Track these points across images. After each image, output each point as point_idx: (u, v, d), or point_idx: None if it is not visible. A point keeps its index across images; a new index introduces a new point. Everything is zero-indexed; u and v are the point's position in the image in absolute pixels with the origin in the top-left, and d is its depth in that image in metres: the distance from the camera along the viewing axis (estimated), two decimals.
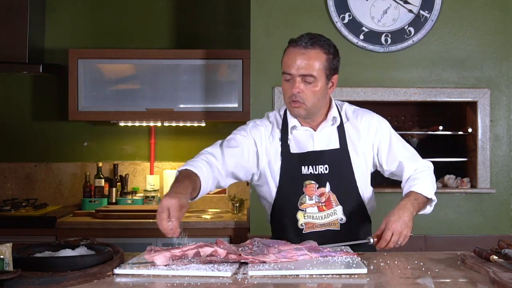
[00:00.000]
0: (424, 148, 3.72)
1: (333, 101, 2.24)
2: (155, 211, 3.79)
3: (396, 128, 3.76)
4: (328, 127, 2.20)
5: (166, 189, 3.97)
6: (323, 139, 2.19)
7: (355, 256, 1.86)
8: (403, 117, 3.84)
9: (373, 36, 3.46)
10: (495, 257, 1.74)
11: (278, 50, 3.50)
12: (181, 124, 4.03)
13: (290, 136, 2.19)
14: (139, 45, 4.09)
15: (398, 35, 3.45)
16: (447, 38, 3.48)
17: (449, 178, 3.54)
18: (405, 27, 3.45)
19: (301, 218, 2.16)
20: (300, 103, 2.10)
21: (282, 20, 3.47)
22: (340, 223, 2.16)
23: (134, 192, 4.05)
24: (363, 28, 3.46)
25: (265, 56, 3.46)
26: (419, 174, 2.19)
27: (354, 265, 1.73)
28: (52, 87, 4.17)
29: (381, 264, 1.83)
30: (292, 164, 2.17)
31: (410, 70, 3.48)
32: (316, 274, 1.67)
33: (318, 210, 2.16)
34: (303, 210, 2.16)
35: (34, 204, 3.96)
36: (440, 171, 3.61)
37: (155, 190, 4.04)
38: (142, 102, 3.85)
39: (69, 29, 4.18)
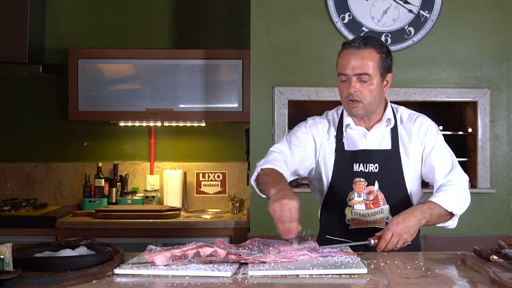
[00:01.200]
0: None
1: (389, 103, 2.29)
2: (155, 211, 3.83)
3: None
4: (382, 128, 2.24)
5: (166, 189, 3.99)
6: (375, 139, 2.24)
7: (355, 256, 1.86)
8: None
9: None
10: (495, 257, 1.74)
11: (278, 50, 3.53)
12: (181, 124, 4.03)
13: (344, 134, 2.25)
14: (139, 45, 4.09)
15: (398, 35, 3.46)
16: (447, 38, 3.49)
17: None
18: (405, 27, 3.46)
19: (348, 213, 2.22)
20: (358, 102, 2.15)
21: (282, 20, 3.47)
22: (386, 222, 2.18)
23: (134, 192, 4.05)
24: (363, 28, 3.46)
25: (265, 56, 3.46)
26: (448, 186, 2.17)
27: (354, 265, 1.73)
28: (52, 87, 4.17)
29: (381, 264, 1.83)
30: (345, 161, 2.23)
31: (410, 70, 3.48)
32: (316, 274, 1.67)
33: (366, 208, 2.21)
34: (351, 206, 2.21)
35: (34, 204, 3.96)
36: None
37: (155, 190, 4.04)
38: (142, 102, 3.85)
39: (69, 29, 4.18)
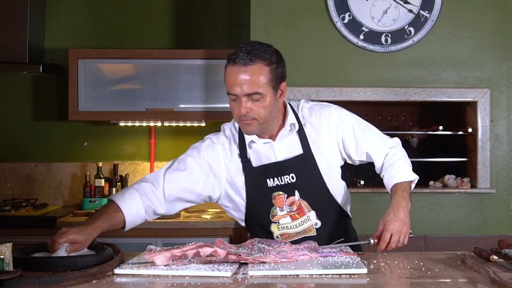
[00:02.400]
0: (424, 148, 3.73)
1: (287, 106, 2.14)
2: None
3: (396, 128, 3.80)
4: (287, 134, 2.11)
5: None
6: (284, 147, 2.11)
7: (355, 256, 1.86)
8: (403, 117, 3.84)
9: (373, 36, 3.46)
10: (495, 257, 1.74)
11: (278, 50, 3.52)
12: (181, 124, 4.03)
13: (249, 151, 2.11)
14: (139, 45, 4.09)
15: (398, 35, 3.45)
16: (447, 38, 3.49)
17: (449, 178, 3.54)
18: (405, 27, 3.46)
19: (275, 230, 2.11)
20: (252, 119, 2.00)
21: (282, 20, 3.47)
22: (316, 228, 2.12)
23: None
24: (363, 28, 3.46)
25: None
26: (392, 159, 2.14)
27: (354, 265, 1.73)
28: (52, 87, 4.17)
29: (381, 264, 1.83)
30: (256, 178, 2.09)
31: (410, 70, 3.48)
32: (316, 274, 1.67)
33: (291, 219, 2.10)
34: (276, 222, 2.10)
35: (34, 204, 3.96)
36: (440, 171, 3.62)
37: None
38: (142, 102, 3.85)
39: (69, 29, 4.18)
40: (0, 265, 1.52)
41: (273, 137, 2.12)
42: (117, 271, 1.70)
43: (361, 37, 3.45)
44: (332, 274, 1.67)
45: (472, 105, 3.52)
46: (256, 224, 2.15)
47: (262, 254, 1.82)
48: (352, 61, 3.45)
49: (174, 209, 2.14)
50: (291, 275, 1.67)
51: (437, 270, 1.75)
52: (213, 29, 4.18)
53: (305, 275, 1.67)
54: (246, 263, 1.78)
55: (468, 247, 2.02)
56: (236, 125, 2.17)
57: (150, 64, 3.85)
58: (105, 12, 4.19)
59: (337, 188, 2.18)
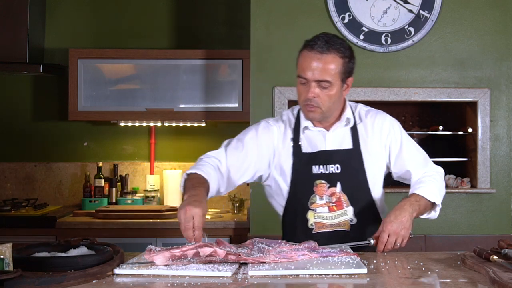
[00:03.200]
0: (424, 148, 3.71)
1: (347, 102, 2.23)
2: (155, 211, 3.82)
3: None
4: (341, 127, 2.19)
5: (166, 189, 3.99)
6: (335, 139, 2.18)
7: (355, 256, 1.86)
8: (403, 117, 3.84)
9: (373, 36, 3.46)
10: (495, 257, 1.74)
11: (278, 50, 3.53)
12: (181, 124, 4.03)
13: (302, 136, 2.18)
14: (139, 45, 4.09)
15: (398, 35, 3.46)
16: (447, 38, 3.49)
17: (449, 178, 3.54)
18: (405, 27, 3.46)
19: (311, 218, 2.15)
20: (315, 107, 2.09)
21: (282, 20, 3.47)
22: (351, 224, 2.15)
23: (134, 192, 4.05)
24: (363, 28, 3.46)
25: (265, 56, 3.46)
26: (426, 178, 2.16)
27: (354, 265, 1.73)
28: (52, 87, 4.17)
29: (381, 264, 1.83)
30: (303, 163, 2.15)
31: (410, 70, 3.48)
32: (316, 274, 1.67)
33: (329, 210, 2.14)
34: (313, 210, 2.15)
35: (34, 204, 3.96)
36: None
37: (155, 190, 4.04)
38: (142, 102, 3.85)
39: (69, 29, 4.18)
40: (0, 265, 1.52)
41: (327, 128, 2.19)
42: (117, 271, 1.70)
43: (361, 37, 3.45)
44: (332, 274, 1.67)
45: (472, 105, 3.52)
46: (294, 211, 2.18)
47: (262, 254, 1.82)
48: None
49: (230, 188, 2.20)
50: (291, 275, 1.67)
51: (437, 270, 1.75)
52: (213, 29, 4.18)
53: (305, 275, 1.67)
54: (246, 263, 1.78)
55: (468, 247, 2.02)
56: (294, 111, 2.25)
57: (150, 64, 3.85)
58: (105, 12, 4.19)
59: (377, 192, 2.21)
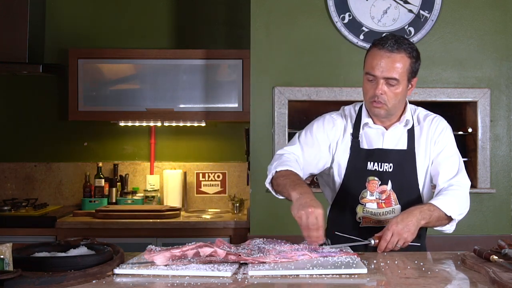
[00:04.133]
0: None
1: (408, 104, 2.29)
2: (155, 211, 3.82)
3: None
4: (399, 128, 2.25)
5: (166, 189, 3.99)
6: (392, 138, 2.24)
7: (355, 256, 1.86)
8: None
9: (373, 36, 3.44)
10: (495, 257, 1.74)
11: (278, 50, 3.53)
12: (181, 124, 4.03)
13: (361, 132, 2.25)
14: (139, 45, 4.09)
15: None
16: (447, 38, 3.49)
17: None
18: (405, 27, 3.46)
19: (359, 211, 2.22)
20: (382, 104, 2.15)
21: (282, 20, 3.47)
22: None
23: (134, 192, 4.05)
24: (363, 28, 3.46)
25: (265, 56, 3.46)
26: (449, 191, 2.16)
27: (354, 265, 1.73)
28: (52, 87, 4.17)
29: (381, 264, 1.83)
30: (360, 158, 2.22)
31: None
32: (316, 274, 1.67)
33: (377, 207, 2.21)
34: (362, 204, 2.21)
35: (34, 204, 3.96)
36: None
37: (155, 190, 4.04)
38: (142, 102, 3.85)
39: (69, 29, 4.18)
40: (0, 265, 1.52)
41: (386, 127, 2.25)
42: (117, 271, 1.70)
43: (361, 37, 3.45)
44: (332, 274, 1.67)
45: (472, 105, 3.52)
46: (344, 202, 2.25)
47: (262, 254, 1.82)
48: (352, 61, 3.45)
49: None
50: (291, 275, 1.67)
51: (437, 270, 1.75)
52: (213, 29, 4.18)
53: (305, 275, 1.67)
54: (246, 263, 1.78)
55: (468, 247, 2.02)
56: (356, 107, 2.32)
57: (150, 64, 3.85)
58: (105, 12, 4.19)
59: (426, 192, 2.26)
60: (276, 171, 2.14)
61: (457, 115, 3.73)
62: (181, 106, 3.86)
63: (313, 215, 1.89)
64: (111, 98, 3.85)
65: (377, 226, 2.18)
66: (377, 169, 2.21)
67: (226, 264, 1.75)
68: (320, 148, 2.26)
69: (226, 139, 4.15)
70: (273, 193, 2.16)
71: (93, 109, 3.84)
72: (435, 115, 2.34)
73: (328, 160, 2.28)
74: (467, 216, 3.43)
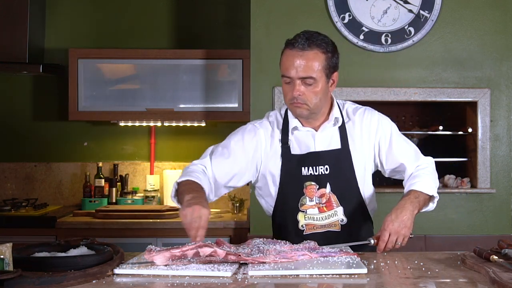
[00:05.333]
0: (424, 148, 3.71)
1: (334, 101, 2.22)
2: (155, 211, 3.82)
3: None
4: (330, 127, 2.18)
5: (166, 189, 3.99)
6: (324, 139, 2.17)
7: (355, 256, 1.86)
8: (403, 117, 3.84)
9: (373, 36, 3.46)
10: (495, 257, 1.74)
11: (278, 50, 3.49)
12: (181, 124, 4.03)
13: (291, 137, 2.18)
14: (139, 45, 4.09)
15: (398, 35, 3.45)
16: (447, 38, 3.48)
17: (449, 178, 3.54)
18: (405, 27, 3.45)
19: (301, 219, 2.15)
20: (302, 103, 2.08)
21: (282, 20, 3.47)
22: (341, 224, 2.15)
23: (134, 192, 4.05)
24: (363, 28, 3.46)
25: (265, 56, 3.46)
26: (419, 172, 2.17)
27: (354, 265, 1.73)
28: (52, 87, 4.17)
29: (381, 264, 1.83)
30: (292, 165, 2.15)
31: (410, 70, 3.48)
32: (316, 274, 1.67)
33: (319, 211, 2.14)
34: (303, 211, 2.15)
35: (34, 204, 3.96)
36: (440, 171, 3.60)
37: (155, 190, 4.04)
38: (142, 102, 3.85)
39: (69, 29, 4.18)
40: (0, 265, 1.52)
41: (315, 128, 2.18)
42: (117, 271, 1.70)
43: (361, 37, 3.45)
44: (332, 274, 1.67)
45: (472, 105, 3.52)
46: (284, 212, 2.19)
47: (262, 254, 1.82)
48: (352, 61, 3.45)
49: (218, 195, 2.20)
50: (291, 275, 1.67)
51: (437, 270, 1.75)
52: (213, 29, 4.18)
53: (305, 275, 1.67)
54: (246, 263, 1.78)
55: (468, 247, 2.02)
56: (282, 111, 2.25)
57: (150, 64, 3.85)
58: (105, 12, 4.19)
59: (367, 190, 2.22)
60: (177, 183, 2.06)
61: (457, 115, 3.73)
62: (181, 106, 3.86)
63: (197, 213, 1.84)
64: (111, 98, 3.85)
65: (322, 231, 2.15)
66: (313, 173, 2.14)
67: (226, 264, 1.75)
68: (235, 162, 2.16)
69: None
70: (178, 205, 2.03)
71: (93, 109, 3.84)
72: (364, 107, 2.26)
73: (251, 172, 2.19)
74: (467, 216, 3.47)
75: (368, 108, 2.27)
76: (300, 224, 2.15)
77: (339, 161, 2.15)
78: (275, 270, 1.69)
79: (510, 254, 1.74)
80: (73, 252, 1.77)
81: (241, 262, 1.78)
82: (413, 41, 3.45)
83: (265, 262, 1.77)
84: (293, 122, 2.17)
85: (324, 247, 1.95)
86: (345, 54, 3.47)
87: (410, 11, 3.45)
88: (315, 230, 2.15)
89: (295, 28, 3.47)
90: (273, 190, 2.19)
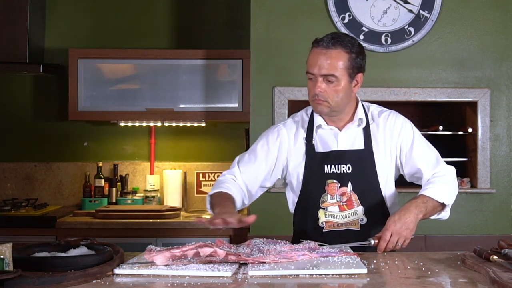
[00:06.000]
0: None
1: (359, 102, 2.25)
2: (155, 211, 3.83)
3: None
4: (353, 128, 2.22)
5: (166, 189, 3.99)
6: (347, 139, 2.21)
7: (355, 256, 1.86)
8: None
9: (373, 36, 3.46)
10: (495, 257, 1.74)
11: (278, 50, 3.53)
12: (181, 124, 4.03)
13: (315, 135, 2.22)
14: (139, 45, 4.08)
15: (398, 35, 3.45)
16: (447, 38, 3.49)
17: None
18: (405, 27, 3.46)
19: (322, 216, 2.19)
20: (323, 101, 2.13)
21: (282, 20, 3.47)
22: (361, 224, 2.17)
23: (134, 192, 4.05)
24: (363, 28, 3.46)
25: (265, 56, 3.46)
26: (436, 178, 2.17)
27: (354, 265, 1.73)
28: (52, 87, 4.17)
29: (381, 264, 1.83)
30: (316, 162, 2.20)
31: (410, 70, 3.48)
32: (316, 274, 1.67)
33: (339, 209, 2.18)
34: (324, 209, 2.19)
35: (34, 204, 3.96)
36: None
37: (155, 190, 4.04)
38: (142, 102, 3.85)
39: (69, 29, 4.18)
40: (0, 265, 1.52)
41: (340, 128, 2.22)
42: (117, 271, 1.70)
43: (361, 37, 3.45)
44: (332, 274, 1.67)
45: (472, 105, 3.52)
46: (305, 208, 2.23)
47: (262, 254, 1.82)
48: None
49: (256, 196, 2.32)
50: (291, 275, 1.67)
51: (437, 270, 1.75)
52: (213, 29, 4.18)
53: (305, 275, 1.67)
54: (246, 263, 1.78)
55: (468, 247, 2.02)
56: (308, 111, 2.29)
57: (150, 64, 3.85)
58: (105, 12, 4.19)
59: (388, 191, 2.23)
60: (209, 195, 2.17)
61: (457, 115, 3.73)
62: (181, 106, 3.86)
63: (224, 213, 1.94)
64: (111, 98, 3.85)
65: (341, 230, 2.17)
66: (335, 172, 2.17)
67: (226, 264, 1.75)
68: (261, 166, 2.24)
69: (226, 139, 4.15)
70: None
71: (93, 109, 3.84)
72: (389, 110, 2.29)
73: (278, 171, 2.27)
74: (467, 216, 3.47)
75: (394, 111, 2.30)
76: (320, 221, 2.19)
77: (361, 161, 2.18)
78: (275, 270, 1.69)
79: (510, 254, 1.74)
80: (73, 252, 1.77)
81: (241, 262, 1.78)
82: (413, 41, 3.45)
83: (265, 262, 1.77)
84: (317, 120, 2.22)
85: (324, 247, 1.95)
86: None
87: (410, 11, 3.45)
88: (334, 228, 2.18)
89: (295, 28, 3.50)
90: (297, 186, 2.24)
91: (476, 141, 3.49)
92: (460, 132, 3.60)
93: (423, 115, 3.85)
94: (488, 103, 3.46)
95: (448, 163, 3.59)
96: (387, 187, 2.22)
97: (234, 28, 4.16)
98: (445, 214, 2.16)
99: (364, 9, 3.46)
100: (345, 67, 2.11)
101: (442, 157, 3.59)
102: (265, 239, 2.03)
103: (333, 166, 2.18)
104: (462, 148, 3.68)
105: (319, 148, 2.21)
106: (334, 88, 2.11)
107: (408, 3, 3.45)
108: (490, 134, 3.48)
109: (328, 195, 2.18)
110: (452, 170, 2.24)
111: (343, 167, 2.17)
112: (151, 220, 3.61)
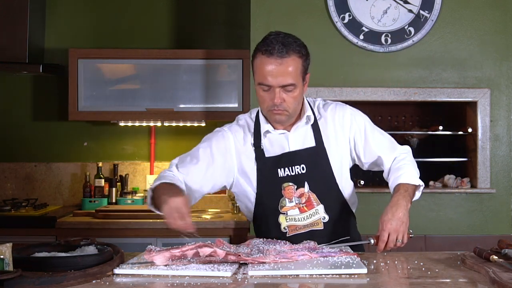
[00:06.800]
0: (424, 148, 3.73)
1: (305, 99, 2.18)
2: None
3: (396, 128, 3.80)
4: (302, 126, 2.15)
5: None
6: (298, 138, 2.15)
7: (355, 256, 1.86)
8: (403, 117, 3.84)
9: (373, 36, 3.46)
10: (495, 257, 1.74)
11: None
12: (181, 124, 4.03)
13: (263, 141, 2.14)
14: (139, 45, 4.09)
15: (398, 35, 3.45)
16: (447, 38, 3.49)
17: (449, 178, 3.54)
18: (405, 27, 3.46)
19: (283, 221, 2.13)
20: (282, 110, 2.05)
21: (282, 20, 3.47)
22: (323, 222, 2.13)
23: (134, 192, 4.05)
24: (363, 28, 3.46)
25: None
26: (400, 163, 2.15)
27: (354, 265, 1.73)
28: (52, 87, 4.17)
29: (381, 264, 1.83)
30: (268, 168, 2.12)
31: (410, 70, 3.48)
32: (316, 274, 1.67)
33: (300, 212, 2.12)
34: (284, 213, 2.12)
35: (34, 204, 3.96)
36: (440, 171, 3.62)
37: None
38: (142, 102, 3.85)
39: (69, 29, 4.18)
40: (0, 265, 1.52)
41: (288, 128, 2.15)
42: (117, 271, 1.70)
43: (361, 37, 3.45)
44: (332, 274, 1.67)
45: (472, 105, 3.52)
46: (265, 215, 2.16)
47: (261, 254, 1.82)
48: (352, 61, 3.45)
49: (195, 201, 2.15)
50: (291, 275, 1.67)
51: (437, 270, 1.75)
52: (213, 29, 4.18)
53: (305, 275, 1.67)
54: (246, 263, 1.78)
55: (468, 247, 2.02)
56: (252, 115, 2.22)
57: (150, 64, 3.85)
58: (105, 12, 4.19)
59: (345, 185, 2.19)
60: (151, 189, 2.01)
61: (457, 115, 3.73)
62: (181, 106, 3.86)
63: (173, 205, 1.81)
64: (111, 98, 3.85)
65: (305, 231, 2.12)
66: (290, 174, 2.11)
67: (226, 264, 1.75)
68: (203, 169, 2.12)
69: None
70: (158, 212, 1.97)
71: (93, 109, 3.84)
72: (335, 103, 2.23)
73: (223, 177, 2.15)
74: (467, 216, 3.47)
75: (339, 103, 2.24)
76: (282, 227, 2.13)
77: (315, 159, 2.13)
78: (275, 270, 1.69)
79: (510, 254, 1.74)
80: (73, 252, 1.77)
81: (241, 262, 1.78)
82: (413, 41, 3.45)
83: (265, 262, 1.77)
84: (264, 126, 2.14)
85: (324, 247, 1.95)
86: (345, 54, 3.49)
87: (410, 11, 3.45)
88: (298, 231, 2.12)
89: (295, 28, 3.48)
90: (251, 194, 2.16)
91: (476, 141, 3.49)
92: (460, 132, 3.60)
93: (423, 115, 3.85)
94: (488, 103, 3.46)
95: (448, 163, 3.64)
96: (343, 180, 2.18)
97: (234, 28, 4.16)
98: (418, 195, 2.14)
99: (364, 9, 3.46)
100: (300, 72, 2.04)
101: (442, 157, 3.62)
102: (265, 239, 2.03)
103: (287, 169, 2.11)
104: (462, 148, 3.69)
105: (270, 152, 2.13)
106: (292, 96, 2.04)
107: (408, 3, 3.45)
108: (490, 134, 3.47)
109: (286, 199, 2.11)
110: (409, 150, 2.24)
111: (297, 168, 2.11)
112: (151, 220, 3.61)
